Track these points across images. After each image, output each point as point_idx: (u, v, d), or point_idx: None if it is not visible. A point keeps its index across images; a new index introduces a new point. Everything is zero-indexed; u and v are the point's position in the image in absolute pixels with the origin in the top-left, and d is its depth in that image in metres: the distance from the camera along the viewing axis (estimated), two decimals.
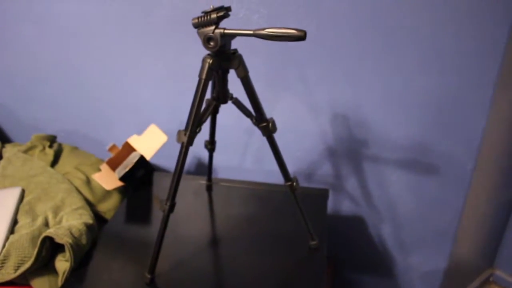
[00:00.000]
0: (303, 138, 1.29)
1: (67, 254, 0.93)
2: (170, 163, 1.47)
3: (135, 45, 1.30)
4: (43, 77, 1.46)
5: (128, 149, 1.24)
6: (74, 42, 1.35)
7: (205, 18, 0.74)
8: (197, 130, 0.82)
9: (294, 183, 0.90)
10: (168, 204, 0.85)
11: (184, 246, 1.02)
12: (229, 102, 0.88)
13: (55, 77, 1.44)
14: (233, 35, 0.74)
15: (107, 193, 1.19)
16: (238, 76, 0.80)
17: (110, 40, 1.31)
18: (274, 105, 1.25)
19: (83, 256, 0.98)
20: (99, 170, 1.23)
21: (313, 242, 0.98)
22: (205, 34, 0.74)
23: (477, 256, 1.66)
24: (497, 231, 1.65)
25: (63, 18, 1.31)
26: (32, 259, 0.92)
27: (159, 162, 1.47)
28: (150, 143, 1.21)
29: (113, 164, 1.24)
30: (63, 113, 1.53)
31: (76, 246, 0.94)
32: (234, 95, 0.89)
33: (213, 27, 0.74)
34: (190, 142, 0.81)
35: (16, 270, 0.93)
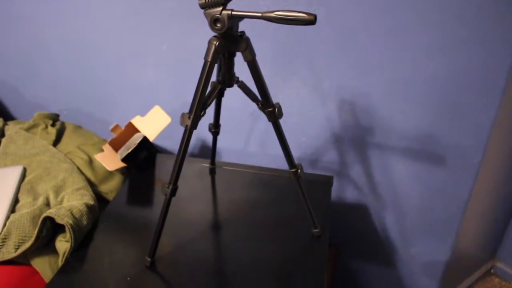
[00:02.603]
0: (309, 123, 1.27)
1: (68, 234, 0.92)
2: (173, 145, 1.46)
3: (141, 25, 1.27)
4: (47, 55, 1.45)
5: (131, 129, 1.22)
6: (79, 20, 1.33)
7: None
8: (202, 114, 0.80)
9: (299, 170, 0.89)
10: (170, 187, 0.84)
11: (185, 230, 1.01)
12: (235, 85, 0.86)
13: (60, 55, 1.43)
14: (241, 17, 0.72)
15: (109, 174, 1.18)
16: (245, 59, 0.78)
17: (116, 20, 1.29)
18: (280, 90, 1.23)
19: (84, 236, 0.98)
20: (102, 150, 1.22)
21: (316, 230, 0.98)
22: (212, 15, 0.72)
23: (479, 248, 1.65)
24: (500, 223, 1.64)
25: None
26: (33, 239, 0.92)
27: (162, 144, 1.46)
28: (154, 124, 1.19)
29: (116, 145, 1.22)
30: (67, 91, 1.51)
31: (76, 227, 0.94)
32: (240, 79, 0.87)
33: (220, 8, 0.72)
34: (194, 125, 0.80)
35: (16, 249, 0.93)
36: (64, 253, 0.92)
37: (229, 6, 0.72)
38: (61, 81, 1.48)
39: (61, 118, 1.47)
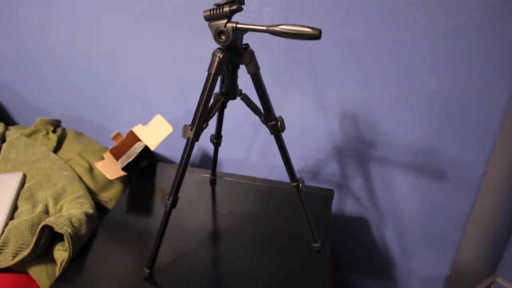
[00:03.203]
0: (311, 135, 1.27)
1: (66, 243, 0.92)
2: (174, 153, 1.45)
3: (144, 33, 1.27)
4: (51, 61, 1.44)
5: (133, 138, 1.22)
6: (84, 27, 1.33)
7: (217, 11, 0.72)
8: (204, 126, 0.80)
9: (300, 184, 0.88)
10: (171, 199, 0.83)
11: (184, 241, 1.00)
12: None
13: (63, 61, 1.43)
14: (246, 30, 0.72)
15: (109, 182, 1.18)
16: (249, 72, 0.77)
17: (119, 27, 1.29)
18: (282, 100, 1.22)
19: (82, 246, 0.97)
20: (102, 158, 1.22)
21: (316, 245, 0.97)
22: (217, 28, 0.72)
23: (479, 263, 1.64)
24: (501, 238, 1.63)
25: (72, 4, 1.29)
26: (31, 247, 0.91)
27: (163, 152, 1.46)
28: (155, 133, 1.19)
29: (117, 153, 1.22)
30: (69, 97, 1.51)
31: (75, 236, 0.93)
32: (243, 91, 0.86)
33: (225, 21, 0.71)
34: (196, 138, 0.79)
35: (14, 257, 0.92)
36: (62, 262, 0.92)
37: (234, 17, 0.72)
38: (64, 87, 1.48)
39: (63, 124, 1.47)
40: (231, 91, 0.82)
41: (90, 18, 1.30)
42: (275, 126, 0.82)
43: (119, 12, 1.26)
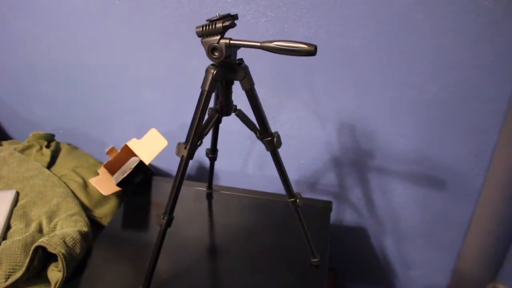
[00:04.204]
0: (308, 146, 1.25)
1: (60, 264, 0.90)
2: (170, 166, 1.44)
3: (138, 46, 1.26)
4: (45, 74, 1.43)
5: (127, 152, 1.20)
6: (77, 39, 1.31)
7: (210, 27, 0.70)
8: (198, 144, 0.78)
9: (298, 200, 0.87)
10: (166, 218, 0.81)
11: (181, 258, 0.98)
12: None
13: (56, 74, 1.41)
14: (239, 46, 0.70)
15: (104, 198, 1.16)
16: (243, 88, 0.76)
17: (112, 39, 1.27)
18: (279, 111, 1.21)
19: (77, 265, 0.95)
20: (97, 173, 1.20)
21: (315, 260, 0.95)
22: (210, 44, 0.70)
23: (480, 270, 1.62)
24: (501, 245, 1.61)
25: (66, 15, 1.27)
26: (24, 268, 0.89)
27: (159, 165, 1.44)
28: (150, 147, 1.17)
29: (111, 168, 1.20)
30: (63, 110, 1.49)
31: (69, 256, 0.91)
32: (239, 106, 0.85)
33: (218, 37, 0.70)
34: (190, 156, 0.78)
35: (7, 278, 0.90)
36: (56, 283, 0.90)
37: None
38: (58, 100, 1.47)
39: (57, 137, 1.45)
40: (226, 107, 0.81)
41: (84, 29, 1.28)
42: (271, 142, 0.80)
43: (112, 24, 1.24)
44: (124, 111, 1.39)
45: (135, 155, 1.20)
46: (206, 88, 0.74)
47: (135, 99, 1.36)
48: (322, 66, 1.12)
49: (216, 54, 0.71)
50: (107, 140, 1.45)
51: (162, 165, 1.44)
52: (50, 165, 1.25)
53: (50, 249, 0.90)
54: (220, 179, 1.40)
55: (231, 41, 0.69)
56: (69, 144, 1.44)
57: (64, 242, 0.92)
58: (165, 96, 1.31)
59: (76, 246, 0.94)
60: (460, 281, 1.45)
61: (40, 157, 1.26)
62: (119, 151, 1.21)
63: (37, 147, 1.30)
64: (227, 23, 0.69)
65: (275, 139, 0.80)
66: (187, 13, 1.14)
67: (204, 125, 0.79)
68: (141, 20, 1.20)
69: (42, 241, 0.91)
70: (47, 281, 0.93)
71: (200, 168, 1.41)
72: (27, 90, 1.49)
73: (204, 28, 0.71)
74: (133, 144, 1.20)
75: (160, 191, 1.22)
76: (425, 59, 1.04)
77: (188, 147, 0.77)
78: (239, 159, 1.35)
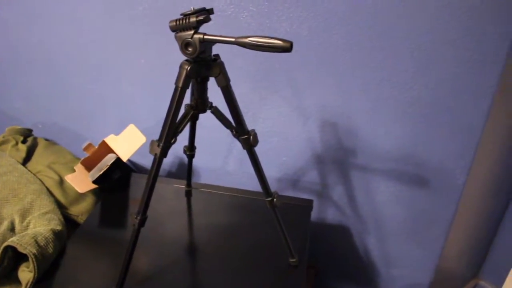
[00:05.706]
0: (290, 143, 1.24)
1: (31, 264, 0.87)
2: (149, 163, 1.40)
3: (118, 39, 1.23)
4: (22, 67, 1.39)
5: (105, 148, 1.17)
6: (56, 32, 1.27)
7: (184, 21, 0.68)
8: (172, 142, 0.76)
9: (275, 199, 0.85)
10: (139, 218, 0.79)
11: (157, 256, 0.96)
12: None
13: (34, 67, 1.37)
14: (214, 42, 0.68)
15: (81, 195, 1.13)
16: (219, 85, 0.74)
17: (92, 32, 1.24)
18: (260, 108, 1.19)
19: (50, 265, 0.93)
20: (73, 169, 1.17)
21: (293, 260, 0.94)
22: (183, 39, 0.68)
23: (462, 267, 1.63)
24: (483, 242, 1.62)
25: (46, 7, 1.24)
26: None
27: (138, 161, 1.41)
28: (128, 143, 1.15)
29: (89, 164, 1.17)
30: (42, 104, 1.45)
31: (40, 256, 0.88)
32: (215, 103, 0.83)
33: (191, 32, 0.68)
34: (164, 154, 0.76)
35: None
36: (27, 284, 0.87)
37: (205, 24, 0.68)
38: (37, 94, 1.43)
39: (36, 131, 1.41)
40: (201, 104, 0.79)
41: (64, 21, 1.25)
42: (247, 140, 0.78)
43: (92, 17, 1.21)
44: (105, 105, 1.36)
45: (113, 152, 1.17)
46: (180, 85, 0.71)
47: (116, 94, 1.32)
48: (304, 62, 1.10)
49: (190, 49, 0.69)
50: (87, 135, 1.41)
51: (143, 162, 1.41)
52: (25, 161, 1.22)
53: (21, 249, 0.87)
54: (200, 176, 1.38)
55: (205, 36, 0.67)
56: (47, 140, 1.40)
57: (36, 241, 0.89)
58: (144, 91, 1.29)
59: (49, 246, 0.91)
60: (443, 277, 1.45)
61: (15, 153, 1.23)
62: (96, 147, 1.18)
63: (13, 142, 1.27)
64: (201, 18, 0.67)
65: (251, 137, 0.78)
66: (168, 5, 1.11)
67: (178, 122, 0.77)
68: (122, 13, 1.17)
69: (12, 240, 0.88)
70: (18, 281, 0.90)
71: (181, 164, 1.38)
72: (5, 83, 1.45)
73: (178, 22, 0.68)
74: (111, 140, 1.17)
75: (139, 189, 1.20)
76: (409, 56, 1.02)
77: (161, 145, 0.75)
78: (219, 156, 1.32)
